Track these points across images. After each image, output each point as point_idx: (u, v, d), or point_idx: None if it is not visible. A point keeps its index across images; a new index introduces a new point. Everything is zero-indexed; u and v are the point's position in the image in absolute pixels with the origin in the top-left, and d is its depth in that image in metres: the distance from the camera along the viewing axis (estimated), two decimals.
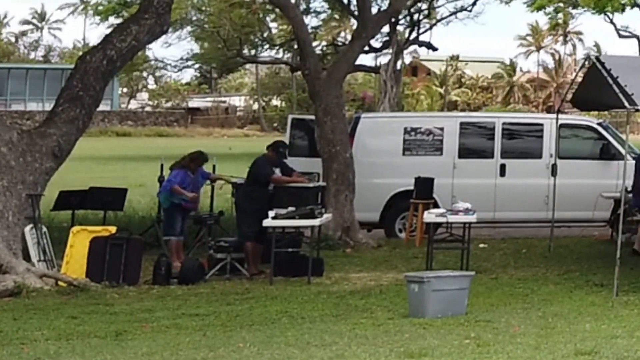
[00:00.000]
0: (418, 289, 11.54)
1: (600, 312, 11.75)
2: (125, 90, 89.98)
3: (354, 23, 28.88)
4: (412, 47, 39.08)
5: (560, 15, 34.52)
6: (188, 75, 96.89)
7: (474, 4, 31.55)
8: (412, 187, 18.59)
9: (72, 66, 16.54)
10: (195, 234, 17.26)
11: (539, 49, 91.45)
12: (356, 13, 22.78)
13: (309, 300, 12.88)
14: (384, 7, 25.27)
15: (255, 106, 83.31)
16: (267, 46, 35.37)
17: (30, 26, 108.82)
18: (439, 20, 33.14)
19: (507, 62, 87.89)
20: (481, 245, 18.16)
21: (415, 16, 31.19)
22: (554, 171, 18.32)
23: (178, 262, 15.37)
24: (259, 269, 15.14)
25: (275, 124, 75.79)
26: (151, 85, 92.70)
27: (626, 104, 13.38)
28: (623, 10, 29.83)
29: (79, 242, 14.62)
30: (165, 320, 11.46)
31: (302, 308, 12.26)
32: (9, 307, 12.37)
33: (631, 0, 29.12)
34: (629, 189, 16.30)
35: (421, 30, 32.25)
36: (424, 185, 18.41)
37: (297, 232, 15.78)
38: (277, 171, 15.39)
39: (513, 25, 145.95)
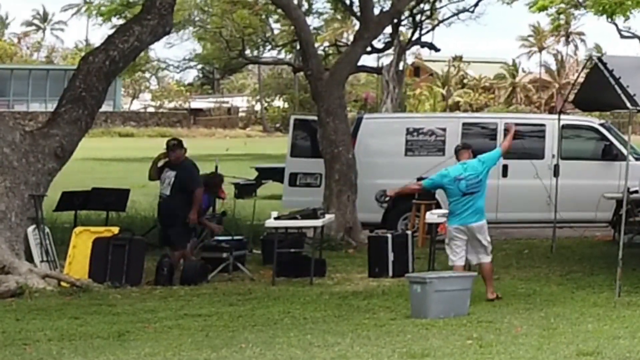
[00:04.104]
0: (420, 290, 11.55)
1: (602, 312, 11.75)
2: (128, 91, 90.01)
3: (356, 24, 28.81)
4: (414, 48, 39.12)
5: (562, 16, 34.42)
6: (190, 76, 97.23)
7: (475, 4, 31.53)
8: None
9: (74, 67, 16.55)
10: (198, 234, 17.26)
11: (541, 49, 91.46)
12: (358, 14, 22.79)
13: (312, 301, 12.88)
14: (386, 7, 25.31)
15: (258, 107, 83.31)
16: (269, 47, 35.34)
17: (33, 27, 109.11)
18: (441, 21, 33.08)
19: (510, 62, 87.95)
20: None
21: (418, 17, 31.14)
22: (556, 172, 18.30)
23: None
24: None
25: (277, 125, 75.83)
26: (153, 86, 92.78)
27: (628, 104, 13.38)
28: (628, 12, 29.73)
29: (81, 242, 14.61)
30: (167, 321, 11.47)
31: (305, 309, 12.27)
32: (12, 308, 12.37)
33: (634, 1, 29.02)
34: (632, 189, 16.28)
35: (423, 31, 32.20)
36: None
37: (299, 233, 15.79)
38: None
39: (515, 26, 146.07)
